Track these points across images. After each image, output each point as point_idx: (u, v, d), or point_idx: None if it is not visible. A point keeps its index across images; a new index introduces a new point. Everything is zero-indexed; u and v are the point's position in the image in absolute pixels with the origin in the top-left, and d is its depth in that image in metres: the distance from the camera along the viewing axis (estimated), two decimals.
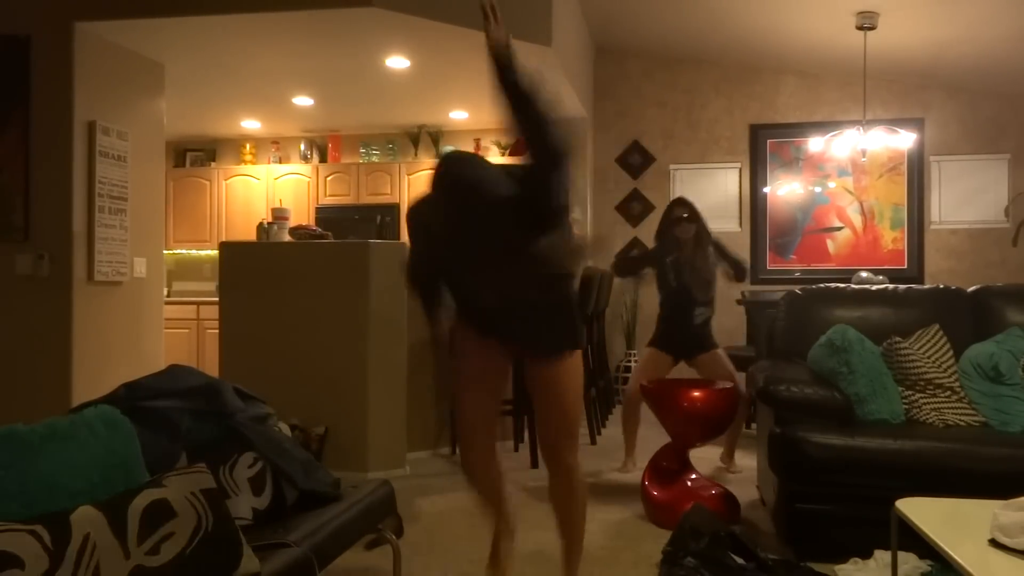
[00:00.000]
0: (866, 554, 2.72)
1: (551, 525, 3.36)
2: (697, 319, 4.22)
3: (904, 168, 6.81)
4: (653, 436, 4.23)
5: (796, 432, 2.89)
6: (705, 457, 4.14)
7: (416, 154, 7.47)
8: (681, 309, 4.24)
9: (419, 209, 2.48)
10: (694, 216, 4.21)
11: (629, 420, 4.34)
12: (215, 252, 6.10)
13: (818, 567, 2.71)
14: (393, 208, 7.28)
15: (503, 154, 7.20)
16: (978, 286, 3.59)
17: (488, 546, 2.83)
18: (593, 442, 5.09)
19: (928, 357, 3.18)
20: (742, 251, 6.99)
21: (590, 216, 7.12)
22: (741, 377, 4.12)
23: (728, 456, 4.33)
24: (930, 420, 3.03)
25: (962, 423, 3.03)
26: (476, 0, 2.04)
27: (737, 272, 4.27)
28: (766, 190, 7.03)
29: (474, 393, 2.49)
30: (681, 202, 4.33)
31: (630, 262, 4.43)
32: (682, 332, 4.25)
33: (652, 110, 7.20)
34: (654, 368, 4.27)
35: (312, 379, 4.24)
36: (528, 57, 5.59)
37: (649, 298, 4.51)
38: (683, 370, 4.41)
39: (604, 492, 3.96)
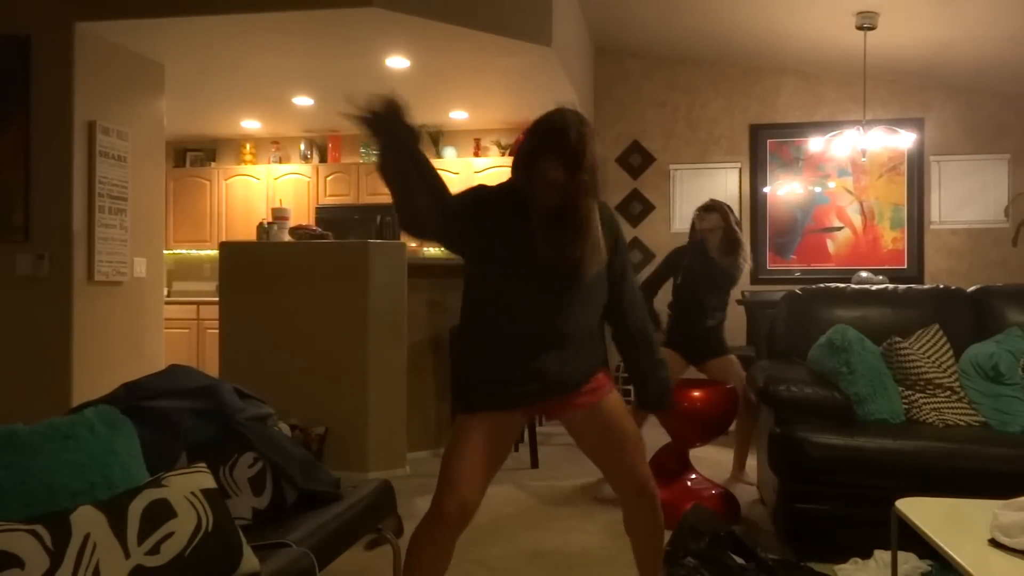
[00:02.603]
0: (866, 554, 2.72)
1: (551, 525, 3.37)
2: (709, 322, 4.06)
3: (904, 168, 6.81)
4: (653, 436, 4.22)
5: (796, 432, 2.89)
6: (705, 457, 4.13)
7: None
8: (688, 312, 4.09)
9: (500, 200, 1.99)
10: (713, 207, 4.06)
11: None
12: (215, 252, 6.09)
13: (818, 567, 2.71)
14: (393, 208, 7.26)
15: (503, 154, 7.20)
16: (978, 286, 3.59)
17: (490, 545, 2.83)
18: None
19: (928, 357, 3.18)
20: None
21: None
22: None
23: (739, 467, 4.16)
24: (930, 420, 3.03)
25: (962, 423, 3.03)
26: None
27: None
28: (766, 190, 7.03)
29: (480, 482, 2.01)
30: (712, 201, 4.18)
31: (652, 282, 4.24)
32: (691, 335, 4.08)
33: (652, 110, 7.20)
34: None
35: (312, 379, 4.24)
36: (528, 57, 5.60)
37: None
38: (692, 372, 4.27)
39: (603, 492, 3.95)
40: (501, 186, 2.05)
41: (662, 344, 4.17)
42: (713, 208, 4.09)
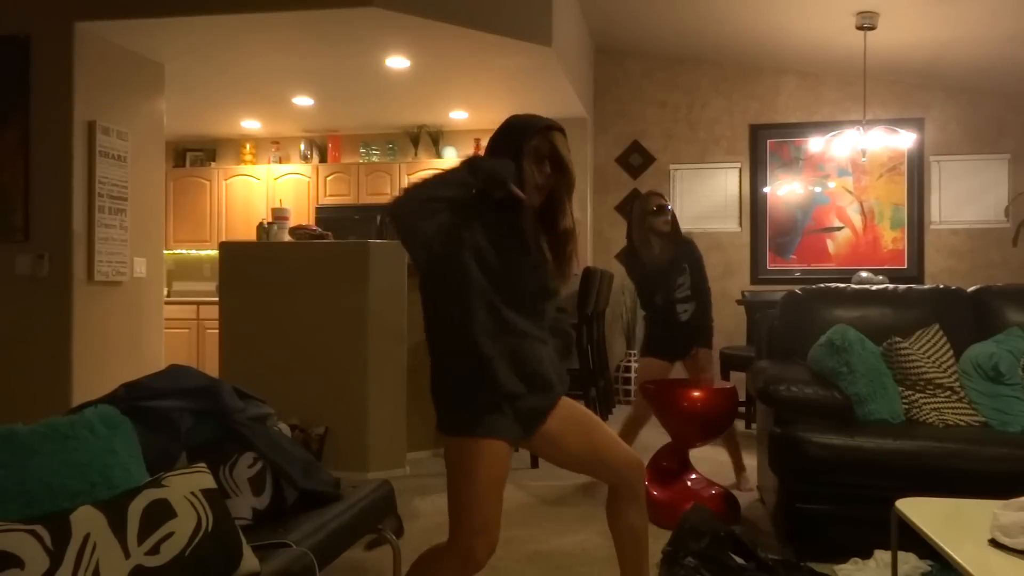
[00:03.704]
0: (866, 554, 2.72)
1: (551, 525, 3.37)
2: (681, 317, 3.96)
3: (904, 168, 6.81)
4: (653, 436, 4.22)
5: (796, 432, 2.89)
6: (705, 457, 4.13)
7: (416, 154, 7.46)
8: (662, 310, 4.00)
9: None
10: (667, 207, 3.96)
11: (627, 436, 4.09)
12: (215, 252, 6.09)
13: (818, 567, 2.71)
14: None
15: None
16: (978, 286, 3.59)
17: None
18: None
19: (928, 357, 3.18)
20: (742, 251, 7.01)
21: (590, 216, 7.12)
22: (738, 380, 4.10)
23: (739, 470, 4.08)
24: (930, 420, 3.03)
25: (962, 423, 3.02)
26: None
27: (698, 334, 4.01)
28: (766, 190, 7.03)
29: (498, 502, 1.90)
30: (656, 193, 4.07)
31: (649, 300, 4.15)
32: (670, 333, 4.01)
33: (652, 110, 7.20)
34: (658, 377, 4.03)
35: (312, 379, 4.24)
36: (528, 57, 5.59)
37: None
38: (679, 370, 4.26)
39: (603, 492, 3.95)
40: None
41: (643, 355, 4.14)
42: (667, 208, 3.98)
